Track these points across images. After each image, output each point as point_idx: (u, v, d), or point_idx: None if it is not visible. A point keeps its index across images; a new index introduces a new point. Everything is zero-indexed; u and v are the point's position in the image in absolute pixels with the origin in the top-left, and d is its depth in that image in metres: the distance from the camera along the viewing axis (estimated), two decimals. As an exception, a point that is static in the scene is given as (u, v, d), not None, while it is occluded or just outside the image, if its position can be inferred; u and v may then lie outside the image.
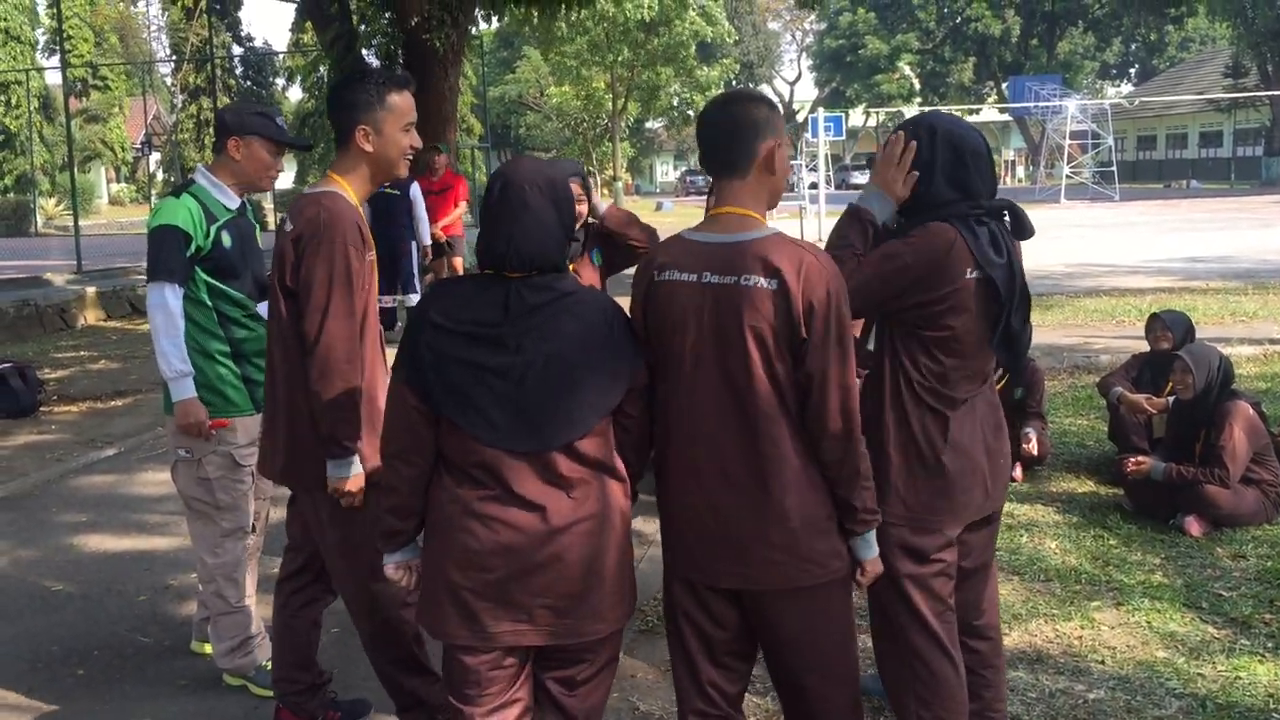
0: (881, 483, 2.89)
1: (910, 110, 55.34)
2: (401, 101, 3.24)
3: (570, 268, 4.43)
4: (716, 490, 2.64)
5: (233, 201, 4.00)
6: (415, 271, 11.39)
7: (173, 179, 38.88)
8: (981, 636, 3.21)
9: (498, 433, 2.52)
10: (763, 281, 2.55)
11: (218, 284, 3.90)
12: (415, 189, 11.02)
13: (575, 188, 4.42)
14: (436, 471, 2.63)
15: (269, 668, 4.06)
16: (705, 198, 4.31)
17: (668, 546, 2.80)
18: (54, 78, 42.34)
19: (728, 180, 2.68)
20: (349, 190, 3.26)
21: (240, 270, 3.96)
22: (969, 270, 2.85)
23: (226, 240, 3.92)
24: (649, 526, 5.88)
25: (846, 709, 2.85)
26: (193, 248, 3.84)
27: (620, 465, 2.68)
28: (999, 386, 6.17)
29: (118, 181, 54.35)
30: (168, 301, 3.82)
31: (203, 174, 4.00)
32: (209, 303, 3.90)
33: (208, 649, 4.30)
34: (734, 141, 2.67)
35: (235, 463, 4.01)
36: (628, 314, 2.69)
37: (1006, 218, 2.98)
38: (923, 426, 2.92)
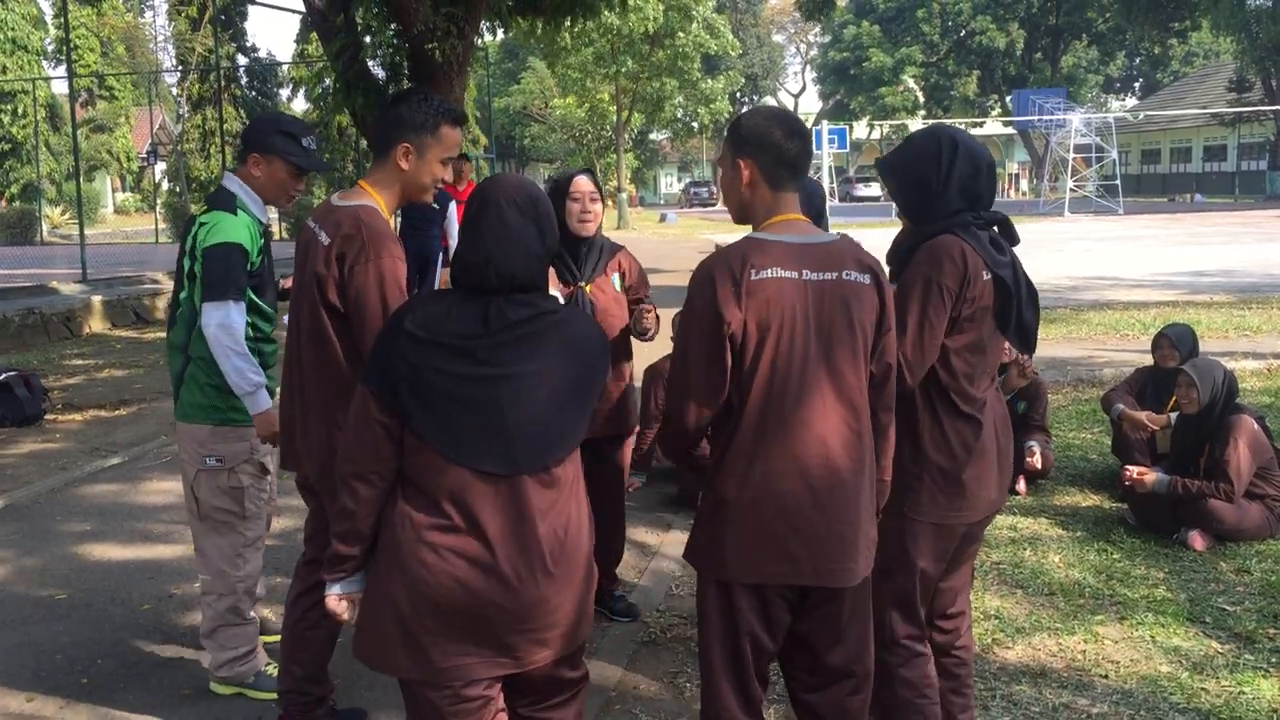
0: (914, 482, 3.01)
1: (914, 123, 55.44)
2: (451, 135, 3.22)
3: (586, 288, 4.40)
4: (823, 485, 2.67)
5: (265, 216, 4.01)
6: (439, 282, 11.43)
7: (178, 189, 38.91)
8: (949, 617, 3.32)
9: (465, 451, 2.43)
10: (860, 277, 2.70)
11: (255, 299, 3.91)
12: (453, 208, 11.07)
13: (589, 185, 4.40)
14: (393, 494, 2.52)
15: (270, 671, 4.06)
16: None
17: (727, 552, 2.72)
18: (61, 87, 42.53)
19: (794, 192, 2.79)
20: (381, 204, 3.24)
21: (269, 284, 3.99)
22: (984, 273, 2.99)
23: (264, 256, 3.95)
24: (651, 538, 5.88)
25: (867, 700, 2.94)
26: (248, 264, 3.84)
27: (583, 489, 2.62)
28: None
29: (123, 191, 54.51)
30: (235, 319, 3.75)
31: (240, 188, 3.93)
32: (248, 318, 3.89)
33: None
34: (809, 157, 2.82)
35: (264, 469, 4.03)
36: (722, 317, 2.63)
37: (995, 229, 3.12)
38: (955, 429, 3.02)
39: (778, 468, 2.66)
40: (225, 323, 3.74)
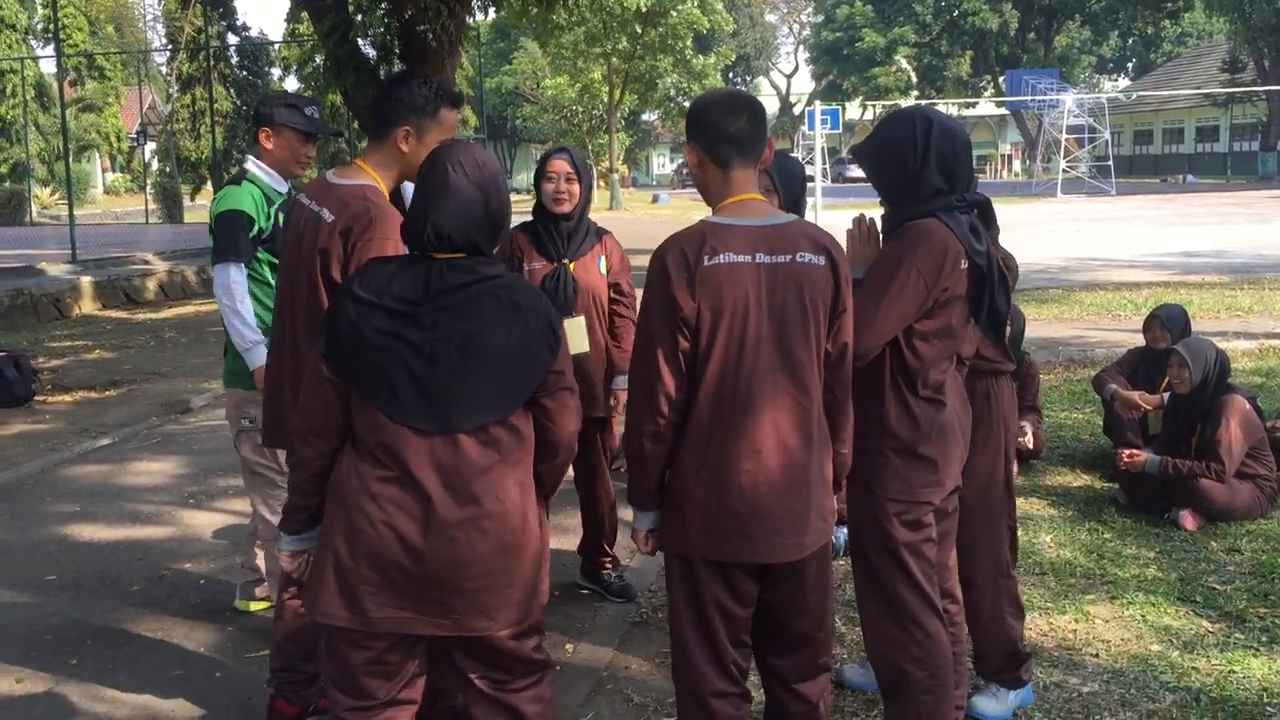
0: (879, 460, 3.04)
1: (907, 103, 55.37)
2: (449, 117, 3.27)
3: (570, 265, 4.39)
4: (777, 464, 2.72)
5: (281, 185, 4.30)
6: None
7: (168, 169, 38.73)
8: (949, 597, 3.37)
9: (403, 409, 2.52)
10: (815, 258, 2.73)
11: (274, 259, 4.18)
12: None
13: (564, 165, 4.37)
14: (345, 449, 2.62)
15: None
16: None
17: (689, 529, 2.78)
18: (49, 66, 42.19)
19: (744, 170, 2.82)
20: (381, 184, 3.27)
21: None
22: (962, 261, 2.99)
23: (283, 220, 4.16)
24: (644, 518, 5.87)
25: (829, 661, 3.06)
26: (255, 229, 4.14)
27: (530, 469, 2.66)
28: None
29: (113, 171, 54.23)
30: (234, 279, 4.11)
31: (253, 162, 4.29)
32: (270, 280, 4.17)
33: (253, 606, 4.69)
34: (761, 133, 2.83)
35: None
36: (675, 300, 2.67)
37: (975, 212, 3.12)
38: (920, 408, 3.05)
39: (732, 449, 2.72)
40: (225, 283, 4.11)
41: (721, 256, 2.68)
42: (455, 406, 2.52)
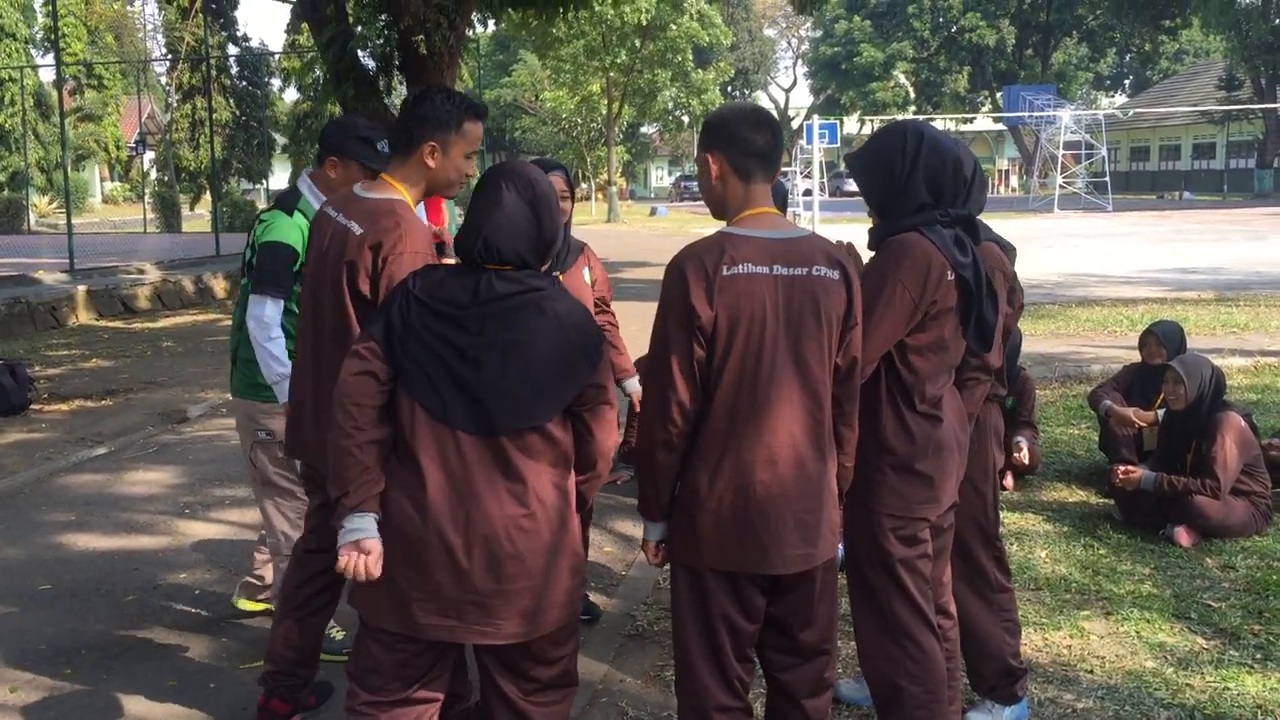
0: (876, 475, 3.05)
1: (905, 118, 55.41)
2: (474, 130, 3.27)
3: (558, 276, 4.41)
4: (791, 475, 2.74)
5: None
6: None
7: (166, 178, 38.76)
8: (944, 613, 3.39)
9: (446, 409, 2.59)
10: (830, 272, 2.77)
11: None
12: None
13: (561, 183, 4.38)
14: (392, 457, 2.67)
15: (336, 635, 4.22)
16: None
17: (700, 540, 2.79)
18: (49, 75, 42.26)
19: (763, 184, 2.86)
20: (407, 199, 3.27)
21: None
22: (947, 273, 3.02)
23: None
24: (637, 531, 5.87)
25: (834, 677, 3.07)
26: (298, 264, 4.02)
27: (571, 476, 2.73)
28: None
29: (111, 180, 54.26)
30: (268, 313, 4.00)
31: (307, 185, 4.16)
32: (298, 311, 4.08)
33: (254, 607, 4.72)
34: (780, 150, 2.88)
35: None
36: (693, 308, 2.69)
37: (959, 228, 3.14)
38: (917, 424, 3.06)
39: (748, 459, 2.74)
40: (260, 315, 3.99)
41: (740, 267, 2.71)
42: (497, 409, 2.59)
